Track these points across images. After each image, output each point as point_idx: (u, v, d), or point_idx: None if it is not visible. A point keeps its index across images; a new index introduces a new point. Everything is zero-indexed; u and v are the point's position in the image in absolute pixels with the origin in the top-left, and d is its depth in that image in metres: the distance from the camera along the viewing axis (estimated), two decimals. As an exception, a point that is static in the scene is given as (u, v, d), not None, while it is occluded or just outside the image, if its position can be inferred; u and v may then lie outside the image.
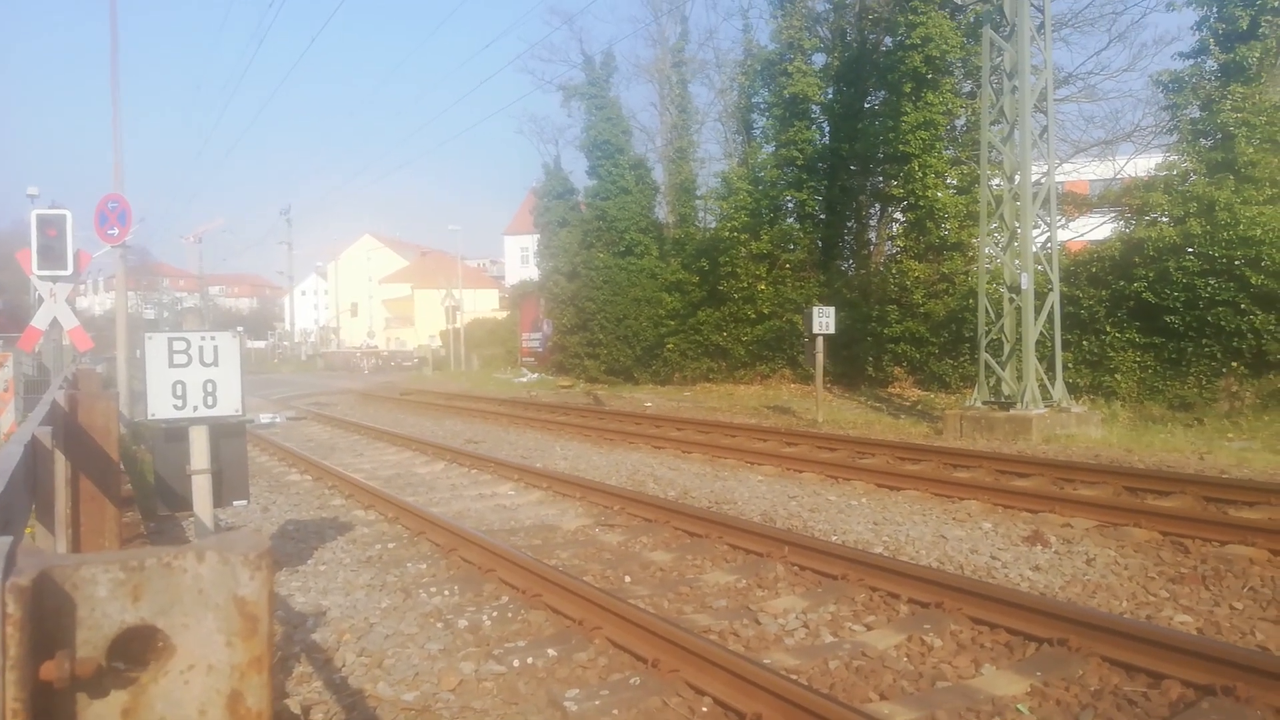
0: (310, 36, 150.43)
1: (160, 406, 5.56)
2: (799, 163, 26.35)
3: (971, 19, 20.94)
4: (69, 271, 12.96)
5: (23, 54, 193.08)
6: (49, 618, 1.08)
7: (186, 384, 5.63)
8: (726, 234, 27.35)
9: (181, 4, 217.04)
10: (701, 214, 33.43)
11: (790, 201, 27.30)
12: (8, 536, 1.11)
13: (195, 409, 5.66)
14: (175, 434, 5.77)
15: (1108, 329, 17.34)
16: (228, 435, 5.95)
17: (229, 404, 5.74)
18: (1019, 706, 4.43)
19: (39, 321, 13.60)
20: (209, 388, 5.70)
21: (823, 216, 27.22)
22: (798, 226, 27.28)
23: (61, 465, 4.13)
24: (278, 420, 21.64)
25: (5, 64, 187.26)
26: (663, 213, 34.61)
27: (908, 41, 22.14)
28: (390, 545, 8.32)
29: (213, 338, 5.74)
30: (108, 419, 4.72)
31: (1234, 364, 15.83)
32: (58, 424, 4.15)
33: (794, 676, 4.65)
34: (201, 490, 5.77)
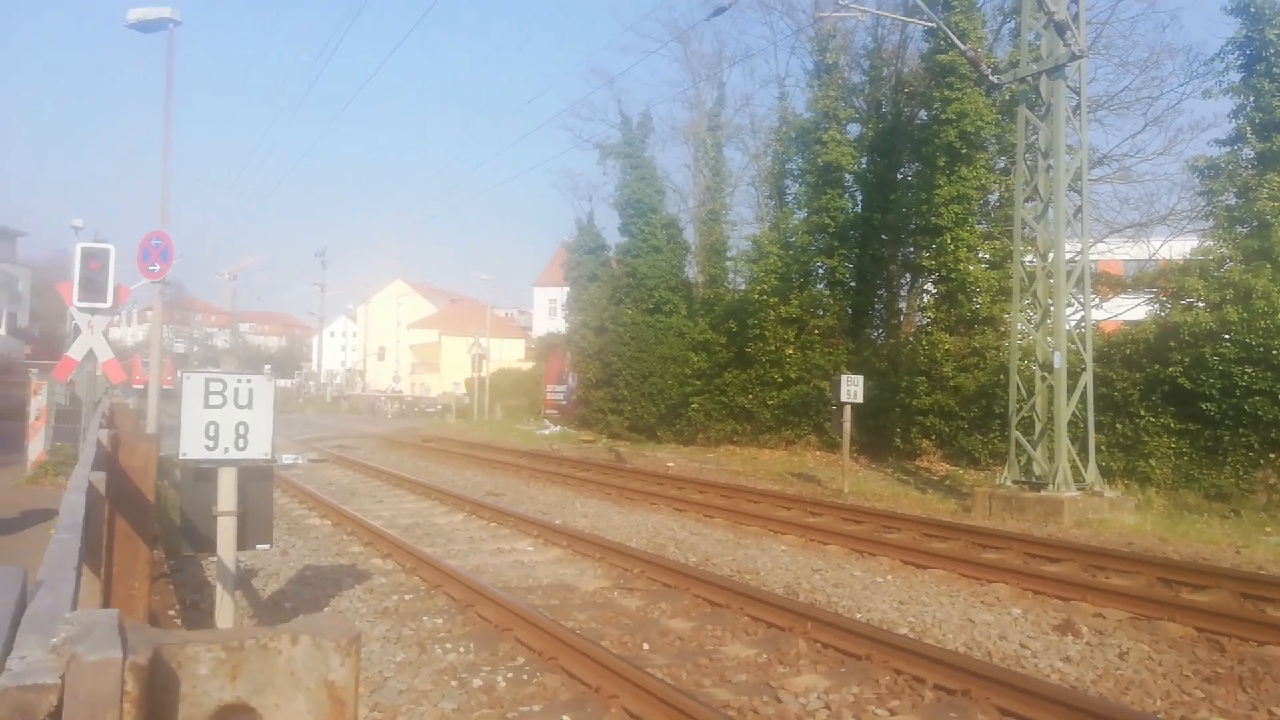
0: (357, 85, 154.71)
1: (192, 446, 5.56)
2: (830, 230, 26.47)
3: (1007, 97, 21.12)
4: (108, 305, 13.19)
5: (70, 89, 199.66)
6: (156, 694, 1.12)
7: (219, 425, 5.63)
8: (756, 296, 27.42)
9: (235, 50, 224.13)
10: (731, 275, 33.57)
11: (821, 267, 27.36)
12: (112, 610, 1.13)
13: (226, 451, 5.65)
14: (204, 474, 5.77)
15: (1142, 413, 17.08)
16: (255, 479, 5.92)
17: (259, 447, 5.73)
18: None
19: (75, 352, 13.79)
20: (241, 430, 5.69)
21: (853, 284, 27.24)
22: (828, 293, 27.30)
23: (105, 507, 4.15)
24: (300, 462, 21.71)
25: (50, 98, 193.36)
26: (692, 272, 34.77)
27: (943, 116, 22.35)
28: (407, 597, 8.24)
29: (248, 380, 5.76)
30: (147, 461, 4.73)
31: (1271, 455, 15.49)
32: (106, 466, 4.18)
33: (816, 761, 4.51)
34: (226, 532, 5.74)
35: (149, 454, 4.80)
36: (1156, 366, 17.09)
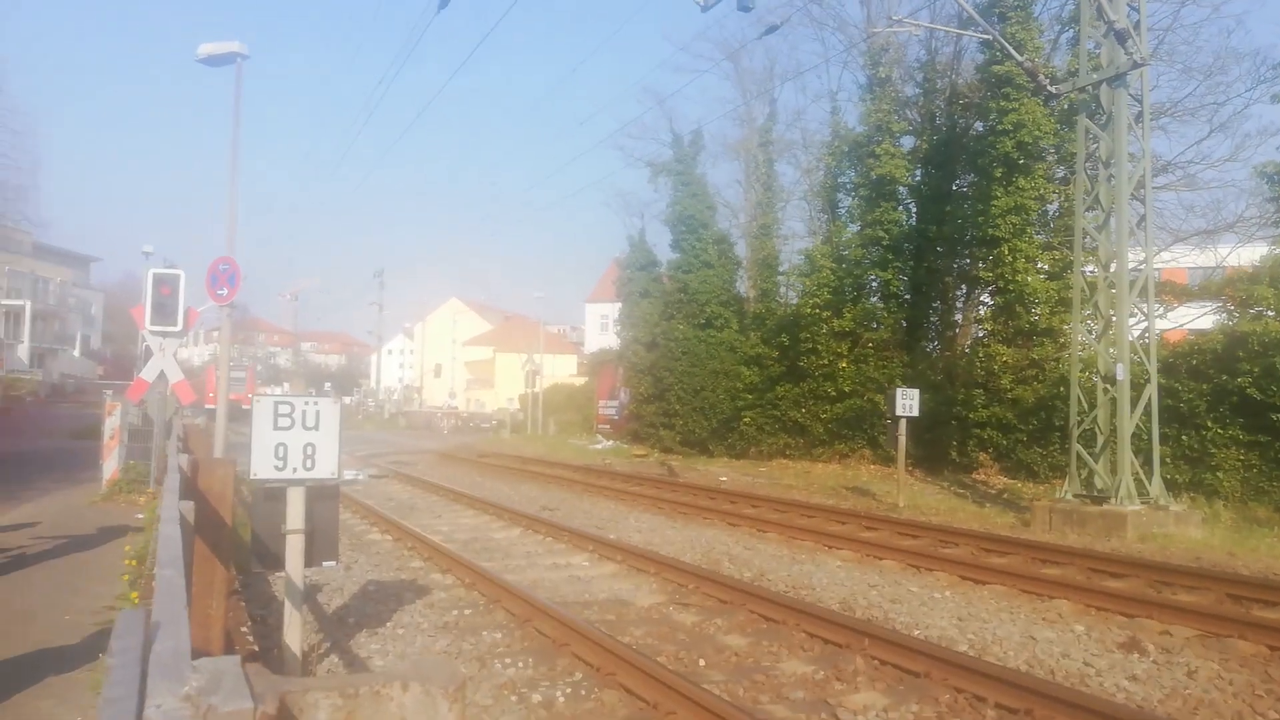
0: (415, 110, 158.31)
1: (262, 467, 5.77)
2: (884, 242, 26.26)
3: (1066, 105, 20.78)
4: (179, 328, 13.66)
5: (140, 119, 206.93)
6: None
7: (288, 446, 5.83)
8: (808, 310, 27.28)
9: (298, 76, 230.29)
10: (783, 289, 33.47)
11: (875, 280, 27.14)
12: (233, 657, 1.22)
13: (294, 471, 5.85)
14: (273, 494, 5.97)
15: (1209, 424, 16.62)
16: (322, 498, 6.11)
17: (326, 467, 5.92)
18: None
19: (147, 374, 14.31)
20: (309, 450, 5.89)
21: (908, 297, 26.97)
22: (882, 306, 27.06)
23: (189, 531, 4.34)
24: (360, 477, 22.13)
25: (122, 129, 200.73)
26: (744, 287, 34.75)
27: (999, 126, 22.06)
28: (467, 612, 8.39)
29: (315, 403, 5.96)
30: (224, 485, 4.93)
31: (1347, 467, 14.97)
32: (186, 491, 4.36)
33: (875, 780, 4.51)
34: (294, 550, 5.93)
35: (226, 478, 5.00)
36: (1224, 377, 16.63)
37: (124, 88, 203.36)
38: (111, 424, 15.30)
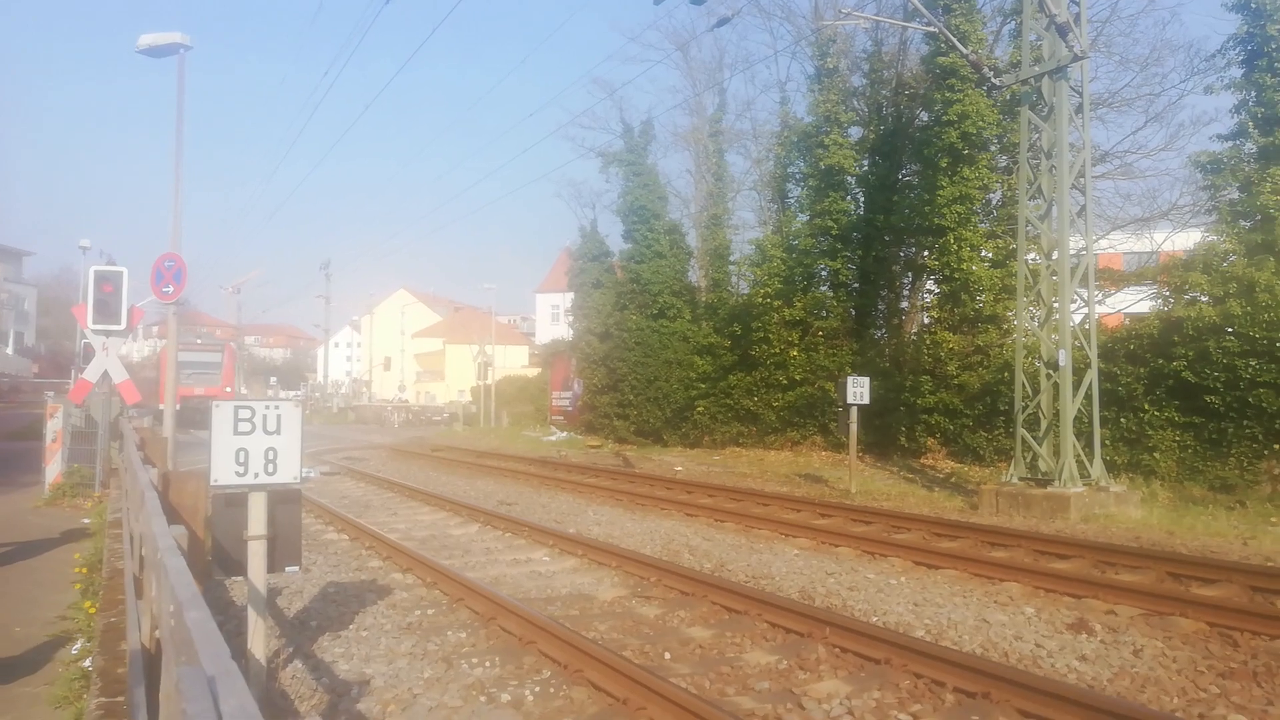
0: (363, 102, 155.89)
1: (223, 473, 5.69)
2: (833, 232, 26.60)
3: (1008, 97, 21.23)
4: (122, 327, 13.33)
5: (74, 107, 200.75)
6: None
7: (249, 451, 5.76)
8: (759, 300, 27.55)
9: (241, 66, 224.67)
10: (734, 279, 33.70)
11: (824, 269, 27.50)
12: None
13: (256, 476, 5.78)
14: (234, 499, 5.89)
15: (1146, 407, 17.19)
16: (284, 502, 6.04)
17: (288, 472, 5.86)
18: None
19: (90, 375, 13.93)
20: (270, 455, 5.82)
21: (856, 285, 27.36)
22: (831, 294, 27.43)
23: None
24: (311, 475, 21.80)
25: (55, 117, 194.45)
26: (696, 277, 34.94)
27: (944, 117, 22.45)
28: (430, 611, 8.36)
29: (276, 406, 5.89)
30: (196, 499, 4.86)
31: (1276, 446, 15.59)
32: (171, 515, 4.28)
33: (843, 768, 4.62)
34: (256, 556, 5.86)
35: (198, 492, 4.93)
36: (1160, 361, 17.20)
37: (63, 81, 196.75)
38: (54, 426, 14.88)
